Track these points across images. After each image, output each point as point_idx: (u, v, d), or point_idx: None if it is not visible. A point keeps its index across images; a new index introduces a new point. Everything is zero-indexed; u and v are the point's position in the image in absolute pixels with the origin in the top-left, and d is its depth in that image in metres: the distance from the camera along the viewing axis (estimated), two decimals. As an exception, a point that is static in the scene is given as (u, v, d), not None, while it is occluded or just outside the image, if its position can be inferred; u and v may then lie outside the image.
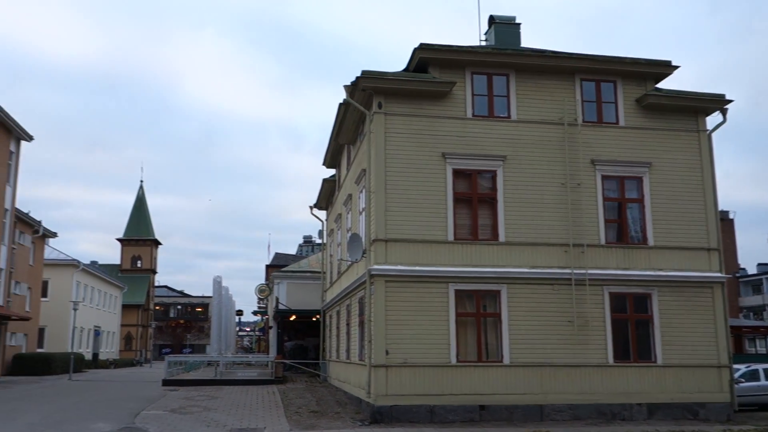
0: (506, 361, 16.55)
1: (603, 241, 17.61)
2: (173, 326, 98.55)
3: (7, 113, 31.38)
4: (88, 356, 51.27)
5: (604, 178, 17.98)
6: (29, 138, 34.80)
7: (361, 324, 18.40)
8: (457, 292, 16.68)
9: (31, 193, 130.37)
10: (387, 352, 15.93)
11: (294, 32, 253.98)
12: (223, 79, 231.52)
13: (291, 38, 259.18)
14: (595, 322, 17.10)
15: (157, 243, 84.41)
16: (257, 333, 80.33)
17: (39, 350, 42.57)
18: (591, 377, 16.79)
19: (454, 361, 16.26)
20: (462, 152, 17.38)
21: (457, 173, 17.33)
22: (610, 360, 17.00)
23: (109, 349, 61.37)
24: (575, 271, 17.03)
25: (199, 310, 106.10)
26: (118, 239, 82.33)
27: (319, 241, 37.49)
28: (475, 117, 17.72)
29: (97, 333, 55.80)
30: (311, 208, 31.81)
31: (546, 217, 17.40)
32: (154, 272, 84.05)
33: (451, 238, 16.91)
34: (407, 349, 16.06)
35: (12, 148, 33.85)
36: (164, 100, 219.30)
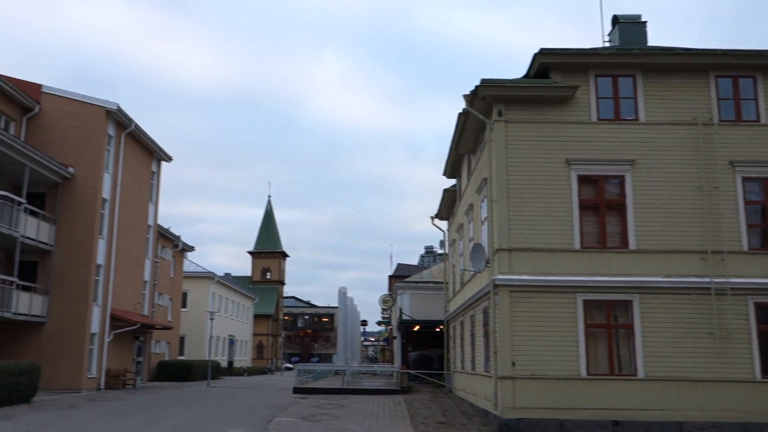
0: (640, 374, 15.77)
1: (746, 248, 16.41)
2: (301, 336, 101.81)
3: (149, 137, 33.85)
4: (224, 364, 54.01)
5: (745, 180, 16.76)
6: (168, 159, 37.34)
7: (486, 335, 18.20)
8: (585, 302, 16.12)
9: (171, 210, 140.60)
10: (513, 364, 15.65)
11: (412, 45, 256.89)
12: (345, 94, 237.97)
13: (410, 51, 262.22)
14: (739, 334, 15.93)
15: (284, 255, 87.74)
16: (381, 343, 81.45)
17: (180, 357, 45.39)
18: (736, 393, 15.63)
19: (584, 373, 15.71)
20: (587, 158, 16.83)
21: (582, 179, 16.80)
22: (758, 375, 15.76)
23: (243, 357, 64.36)
24: (715, 280, 15.97)
25: (325, 320, 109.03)
26: (249, 252, 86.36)
27: (440, 251, 37.48)
28: (600, 121, 17.13)
29: (232, 342, 58.68)
30: (432, 218, 31.93)
31: (680, 223, 16.47)
32: (283, 283, 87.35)
33: (577, 246, 16.39)
34: (534, 360, 15.70)
35: (153, 168, 36.44)
36: (289, 117, 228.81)
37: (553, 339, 15.86)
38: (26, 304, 25.81)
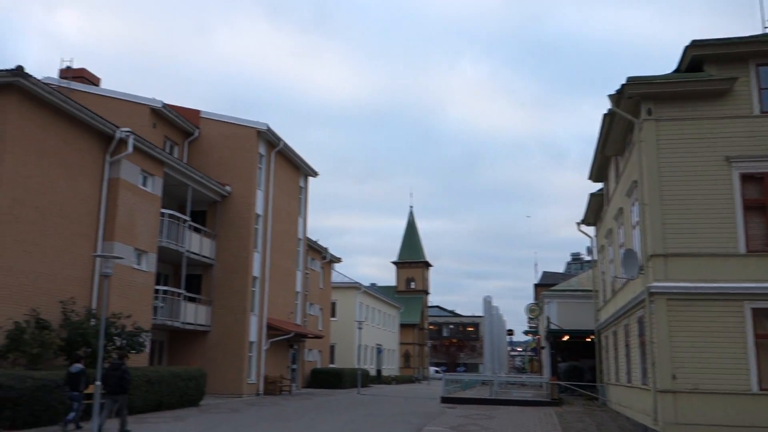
0: (823, 390, 14.27)
1: None
2: (446, 345, 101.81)
3: (296, 154, 35.49)
4: (372, 372, 55.16)
5: None
6: (315, 174, 38.91)
7: (642, 345, 17.28)
8: (754, 311, 14.85)
9: (318, 223, 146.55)
10: (674, 377, 14.72)
11: (550, 47, 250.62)
12: (483, 101, 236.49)
13: (547, 53, 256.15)
14: None
15: (427, 265, 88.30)
16: (529, 353, 79.70)
17: (331, 365, 46.93)
18: None
19: (755, 388, 14.45)
20: (750, 154, 15.56)
21: (745, 178, 15.54)
22: None
23: (390, 366, 65.40)
24: None
25: (470, 329, 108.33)
26: (393, 262, 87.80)
27: (588, 258, 36.11)
28: (764, 114, 15.79)
29: (379, 350, 59.84)
30: (578, 224, 30.86)
31: None
32: (427, 293, 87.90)
33: (742, 250, 15.17)
34: (697, 373, 14.67)
35: (301, 183, 38.13)
36: (429, 127, 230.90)
37: (719, 350, 14.74)
38: (192, 314, 27.90)
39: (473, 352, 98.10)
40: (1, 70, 18.05)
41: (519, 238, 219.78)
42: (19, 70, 17.96)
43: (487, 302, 38.87)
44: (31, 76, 18.46)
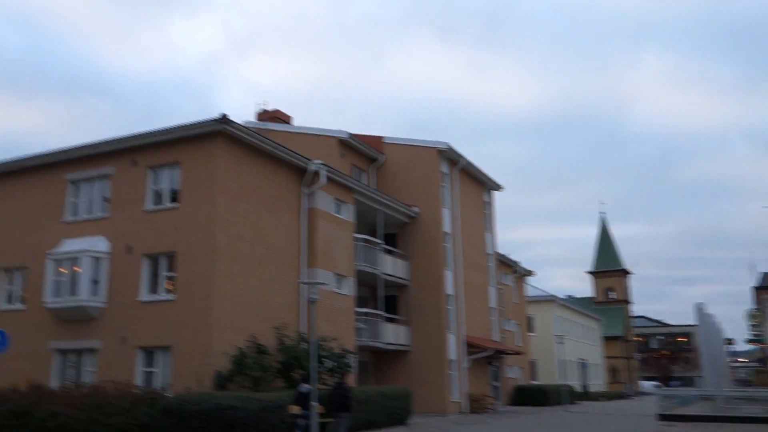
0: None
1: None
2: (656, 357, 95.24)
3: (478, 169, 35.34)
4: (577, 388, 52.93)
5: None
6: (499, 188, 38.48)
7: None
8: None
9: (506, 237, 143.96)
10: None
11: (745, 26, 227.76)
12: (672, 94, 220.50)
13: (743, 34, 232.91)
14: None
15: (626, 272, 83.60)
16: (754, 363, 72.19)
17: (533, 382, 45.72)
18: None
19: None
20: None
21: None
22: None
23: (596, 381, 62.36)
24: None
25: (682, 339, 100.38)
26: (588, 272, 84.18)
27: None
28: None
29: (583, 365, 57.38)
30: (803, 215, 27.43)
31: None
32: (628, 302, 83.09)
33: None
34: None
35: (485, 198, 37.86)
36: (614, 129, 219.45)
37: None
38: (393, 334, 28.65)
39: (687, 364, 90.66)
40: (210, 120, 19.93)
41: (728, 237, 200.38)
42: (224, 118, 19.72)
43: (700, 309, 35.77)
44: (233, 122, 20.22)
